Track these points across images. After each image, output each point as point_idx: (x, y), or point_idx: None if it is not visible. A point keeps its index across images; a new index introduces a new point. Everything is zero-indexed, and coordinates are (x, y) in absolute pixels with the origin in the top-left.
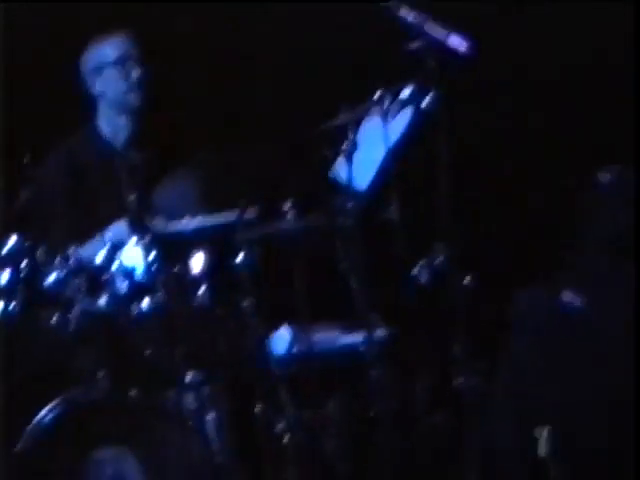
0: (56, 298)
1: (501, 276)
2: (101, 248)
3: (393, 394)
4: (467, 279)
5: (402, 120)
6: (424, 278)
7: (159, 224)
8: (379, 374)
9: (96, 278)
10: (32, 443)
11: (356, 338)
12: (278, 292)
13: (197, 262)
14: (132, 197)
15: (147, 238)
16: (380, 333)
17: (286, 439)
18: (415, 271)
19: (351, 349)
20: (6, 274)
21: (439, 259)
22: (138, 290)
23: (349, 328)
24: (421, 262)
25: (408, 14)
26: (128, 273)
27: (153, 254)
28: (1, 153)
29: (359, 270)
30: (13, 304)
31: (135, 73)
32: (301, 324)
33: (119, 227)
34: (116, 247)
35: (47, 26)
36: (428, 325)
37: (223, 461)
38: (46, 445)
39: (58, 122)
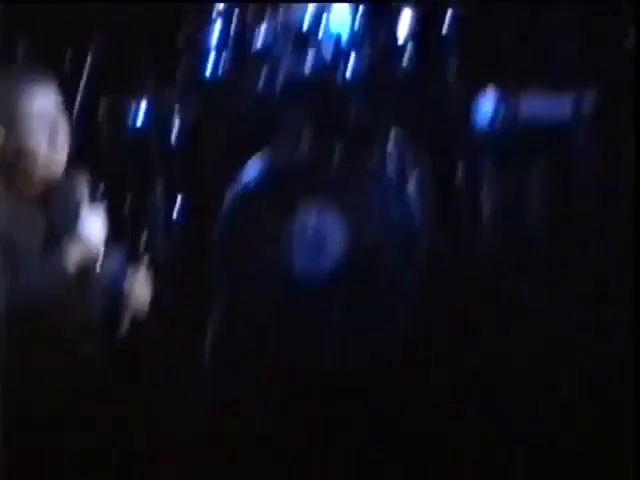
0: (263, 59)
1: None
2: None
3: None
4: None
5: None
6: None
7: None
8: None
9: (304, 40)
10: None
11: (564, 107)
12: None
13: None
14: None
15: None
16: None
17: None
18: None
19: (558, 118)
20: (217, 30)
21: None
22: (344, 54)
23: (557, 95)
24: None
25: None
26: (335, 36)
27: (360, 16)
28: None
29: None
30: (222, 62)
31: None
32: (507, 87)
33: None
34: (323, 9)
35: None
36: None
37: (422, 222)
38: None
39: None
